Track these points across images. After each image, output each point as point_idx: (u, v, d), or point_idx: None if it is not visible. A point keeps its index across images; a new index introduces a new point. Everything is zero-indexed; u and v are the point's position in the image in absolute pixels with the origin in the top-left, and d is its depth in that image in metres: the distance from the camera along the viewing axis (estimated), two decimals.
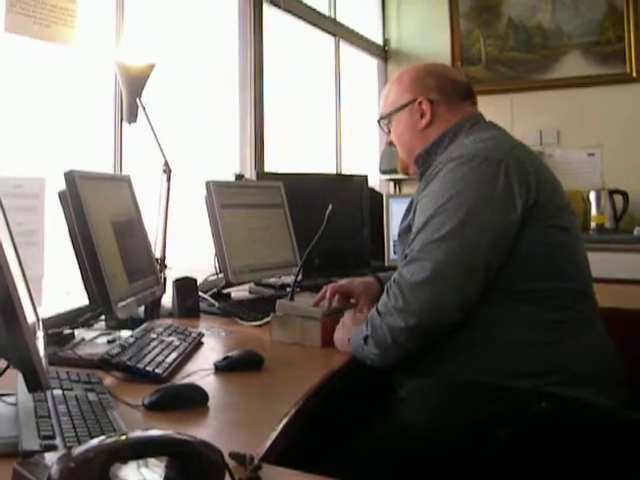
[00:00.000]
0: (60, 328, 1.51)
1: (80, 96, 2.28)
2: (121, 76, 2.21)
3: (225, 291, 2.13)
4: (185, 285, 1.93)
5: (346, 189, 2.70)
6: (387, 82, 1.75)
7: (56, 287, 1.74)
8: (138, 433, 0.75)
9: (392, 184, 4.40)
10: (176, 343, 1.47)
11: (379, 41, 4.59)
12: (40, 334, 1.02)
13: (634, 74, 3.96)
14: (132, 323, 1.62)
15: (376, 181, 4.11)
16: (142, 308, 1.75)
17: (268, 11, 3.28)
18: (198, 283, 2.01)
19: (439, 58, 3.95)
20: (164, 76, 2.41)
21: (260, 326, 1.78)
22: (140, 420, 1.06)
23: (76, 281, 1.54)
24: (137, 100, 2.15)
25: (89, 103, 2.33)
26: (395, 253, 2.49)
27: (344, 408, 1.46)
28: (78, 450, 0.69)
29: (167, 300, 1.92)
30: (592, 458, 1.25)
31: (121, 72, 2.20)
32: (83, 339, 1.52)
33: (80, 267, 1.50)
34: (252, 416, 1.12)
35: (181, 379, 1.29)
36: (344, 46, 4.11)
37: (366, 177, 2.84)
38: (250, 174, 2.91)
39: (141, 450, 0.73)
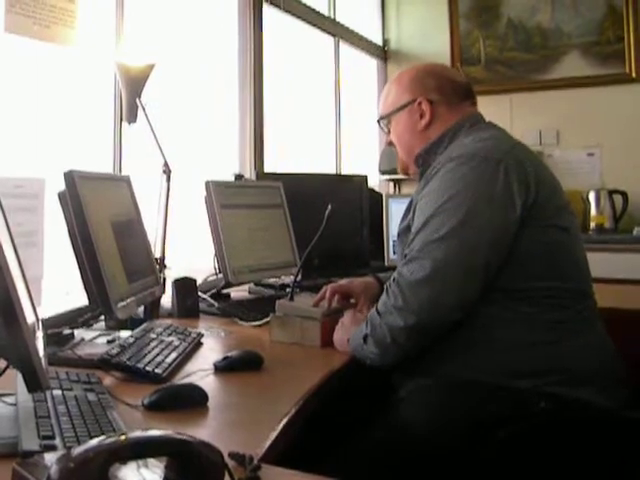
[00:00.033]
0: (60, 328, 1.51)
1: (80, 96, 2.28)
2: (121, 76, 2.21)
3: (225, 291, 2.13)
4: (185, 285, 1.93)
5: (346, 189, 2.71)
6: (387, 82, 1.76)
7: (56, 287, 1.74)
8: (137, 433, 0.75)
9: (392, 184, 4.40)
10: (176, 343, 1.47)
11: (379, 41, 4.59)
12: (40, 334, 1.02)
13: (633, 74, 3.96)
14: (132, 323, 1.62)
15: (376, 181, 4.11)
16: (142, 308, 1.75)
17: (268, 11, 3.29)
18: (198, 283, 2.01)
19: (439, 58, 3.96)
20: (164, 76, 2.41)
21: (260, 326, 1.78)
22: (140, 420, 1.06)
23: (76, 281, 1.54)
24: (137, 100, 2.15)
25: (89, 103, 2.33)
26: (395, 253, 2.49)
27: (344, 408, 1.46)
28: (77, 450, 0.69)
29: (167, 300, 1.92)
30: (592, 458, 1.25)
31: (121, 72, 2.20)
32: (83, 339, 1.52)
33: (80, 267, 1.50)
34: (252, 416, 1.12)
35: (181, 379, 1.29)
36: (344, 46, 4.11)
37: (366, 177, 2.84)
38: (250, 174, 2.91)
39: (140, 450, 0.73)
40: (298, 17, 3.60)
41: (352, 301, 1.70)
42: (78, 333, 1.55)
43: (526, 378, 1.30)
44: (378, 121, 1.67)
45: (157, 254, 1.97)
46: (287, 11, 3.43)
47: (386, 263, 2.52)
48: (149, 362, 1.30)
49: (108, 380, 1.25)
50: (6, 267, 0.82)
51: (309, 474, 0.88)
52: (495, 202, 1.35)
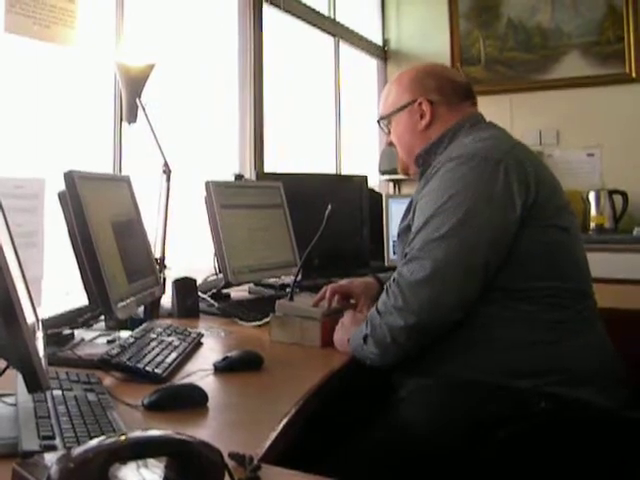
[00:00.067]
0: (60, 328, 1.51)
1: (80, 96, 2.28)
2: (121, 76, 2.21)
3: (225, 291, 2.13)
4: (185, 285, 1.93)
5: (346, 189, 2.71)
6: (387, 82, 1.76)
7: (56, 287, 1.73)
8: (137, 433, 0.75)
9: (392, 184, 4.40)
10: (176, 343, 1.47)
11: (379, 41, 4.59)
12: (40, 334, 1.02)
13: (633, 74, 3.96)
14: (131, 323, 1.62)
15: (376, 181, 4.11)
16: (142, 308, 1.75)
17: (268, 11, 3.29)
18: (197, 283, 2.01)
19: (439, 58, 3.96)
20: (164, 76, 2.41)
21: (260, 326, 1.78)
22: (139, 420, 1.06)
23: (76, 281, 1.54)
24: (137, 100, 2.15)
25: (89, 103, 2.33)
26: (395, 253, 2.49)
27: (344, 408, 1.46)
28: (77, 450, 0.69)
29: (166, 300, 1.92)
30: (592, 458, 1.25)
31: (121, 72, 2.20)
32: (83, 339, 1.52)
33: (80, 267, 1.50)
34: (251, 416, 1.12)
35: (180, 379, 1.29)
36: (344, 46, 4.11)
37: (366, 177, 2.84)
38: (250, 174, 2.91)
39: (140, 450, 0.73)
40: (298, 17, 3.60)
41: (352, 301, 1.70)
42: (78, 333, 1.55)
43: (526, 378, 1.30)
44: (378, 121, 1.67)
45: (157, 254, 1.97)
46: (287, 11, 3.43)
47: (386, 263, 2.52)
48: (149, 362, 1.30)
49: (108, 380, 1.25)
50: (6, 267, 0.82)
51: (309, 474, 0.88)
52: (495, 202, 1.35)
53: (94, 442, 0.71)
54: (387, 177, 4.24)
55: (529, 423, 1.25)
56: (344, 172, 3.98)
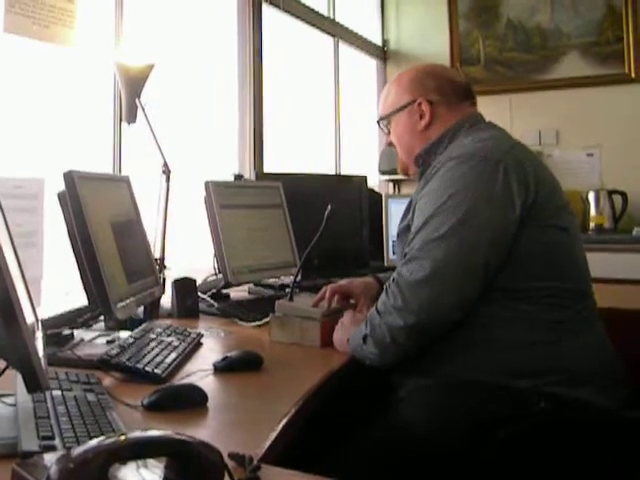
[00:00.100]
0: (59, 329, 1.50)
1: (79, 96, 2.28)
2: (120, 76, 2.21)
3: (224, 291, 2.13)
4: (184, 285, 1.93)
5: (345, 189, 2.71)
6: (386, 83, 1.76)
7: (55, 288, 1.73)
8: (137, 433, 0.75)
9: (391, 184, 4.40)
10: (175, 343, 1.47)
11: (378, 42, 4.59)
12: (39, 335, 1.02)
13: (633, 74, 3.96)
14: (131, 323, 1.62)
15: (375, 181, 4.11)
16: (141, 309, 1.75)
17: (267, 11, 3.29)
18: (197, 283, 2.01)
19: (438, 59, 3.96)
20: (163, 76, 2.41)
21: (259, 326, 1.78)
22: (139, 420, 1.06)
23: (75, 282, 1.54)
24: (136, 100, 2.15)
25: (88, 103, 2.33)
26: (394, 253, 2.49)
27: (344, 408, 1.46)
28: (77, 451, 0.69)
29: (166, 300, 1.92)
30: (591, 458, 1.25)
31: (120, 72, 2.20)
32: (82, 340, 1.52)
33: (79, 268, 1.50)
34: (251, 416, 1.12)
35: (180, 379, 1.29)
36: (343, 46, 4.11)
37: (365, 177, 2.84)
38: (249, 174, 2.91)
39: (140, 450, 0.73)
40: (297, 17, 3.60)
41: (352, 301, 1.70)
42: (78, 333, 1.55)
43: (526, 378, 1.30)
44: (378, 122, 1.67)
45: (157, 254, 1.97)
46: (287, 11, 3.43)
47: (385, 263, 2.52)
48: (149, 362, 1.29)
49: (108, 380, 1.25)
50: (6, 268, 0.82)
51: (309, 474, 0.88)
52: (494, 202, 1.35)
53: (94, 442, 0.71)
54: (387, 177, 4.24)
55: (529, 423, 1.25)
56: (344, 172, 3.98)
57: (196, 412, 1.11)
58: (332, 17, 4.01)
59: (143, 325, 1.59)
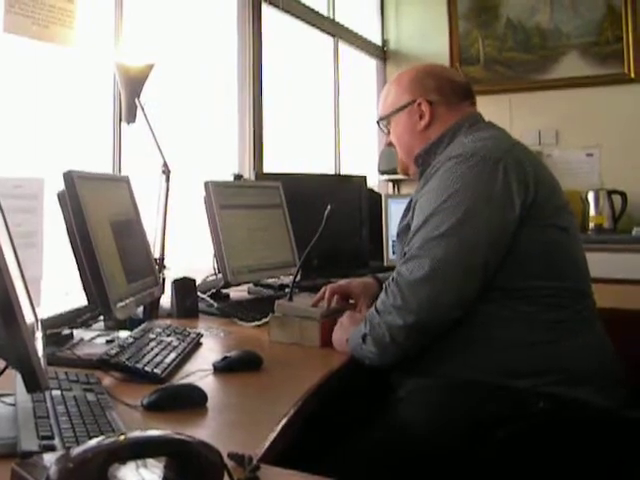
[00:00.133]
0: (59, 328, 1.50)
1: (79, 96, 2.28)
2: (120, 76, 2.21)
3: (224, 291, 2.13)
4: (184, 285, 1.93)
5: (345, 189, 2.71)
6: (386, 83, 1.76)
7: (55, 287, 1.73)
8: (137, 433, 0.75)
9: (391, 184, 4.40)
10: (175, 343, 1.47)
11: (378, 42, 4.59)
12: (39, 334, 1.02)
13: (632, 74, 3.96)
14: (131, 323, 1.62)
15: (375, 181, 4.11)
16: (141, 308, 1.75)
17: (267, 11, 3.29)
18: (197, 283, 2.01)
19: (438, 59, 3.96)
20: (163, 76, 2.41)
21: (259, 326, 1.78)
22: (139, 420, 1.06)
23: (75, 281, 1.54)
24: (136, 100, 2.15)
25: (88, 103, 2.33)
26: (394, 253, 2.49)
27: (343, 408, 1.46)
28: (77, 450, 0.69)
29: (166, 300, 1.92)
30: (590, 458, 1.25)
31: (120, 72, 2.20)
32: (82, 339, 1.52)
33: (79, 267, 1.50)
34: (251, 416, 1.12)
35: (180, 379, 1.29)
36: (343, 46, 4.11)
37: (365, 177, 2.84)
38: (249, 174, 2.91)
39: (140, 450, 0.73)
40: (297, 17, 3.60)
41: (351, 301, 1.70)
42: (77, 333, 1.55)
43: (525, 378, 1.30)
44: (378, 122, 1.67)
45: (156, 254, 1.97)
46: (286, 11, 3.43)
47: (385, 263, 2.52)
48: (148, 362, 1.30)
49: (107, 380, 1.25)
50: (5, 268, 0.82)
51: (308, 474, 0.88)
52: (494, 201, 1.35)
53: (93, 442, 0.71)
54: (386, 177, 4.24)
55: (528, 423, 1.26)
56: (343, 172, 3.98)
57: (196, 412, 1.11)
58: (332, 17, 4.01)
59: (143, 325, 1.59)
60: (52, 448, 0.85)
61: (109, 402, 1.08)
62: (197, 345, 1.56)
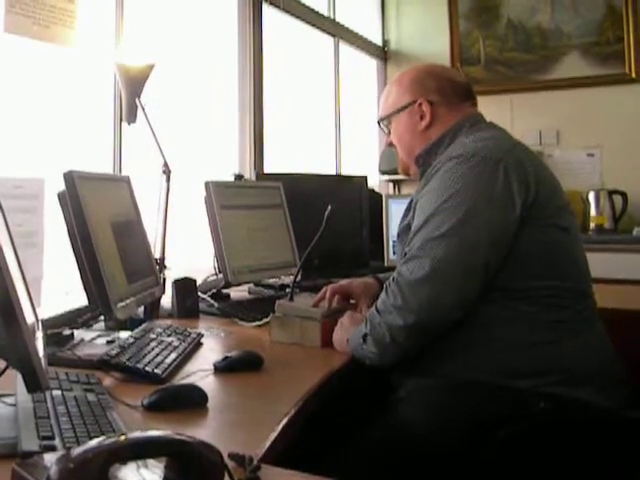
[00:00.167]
0: (59, 329, 1.50)
1: (80, 97, 2.28)
2: (120, 76, 2.21)
3: (224, 291, 2.13)
4: (184, 285, 1.93)
5: (345, 190, 2.71)
6: (386, 83, 1.76)
7: (55, 288, 1.73)
8: (137, 434, 0.75)
9: (391, 185, 4.40)
10: (175, 344, 1.47)
11: (378, 42, 4.59)
12: (39, 335, 1.02)
13: (633, 74, 3.96)
14: (131, 324, 1.62)
15: (375, 182, 4.11)
16: (141, 309, 1.75)
17: (267, 11, 3.29)
18: (197, 284, 2.01)
19: (438, 59, 3.96)
20: (163, 76, 2.41)
21: (259, 326, 1.78)
22: (139, 421, 1.06)
23: (75, 282, 1.54)
24: (136, 100, 2.15)
25: (88, 104, 2.33)
26: (394, 253, 2.49)
27: (344, 408, 1.46)
28: (77, 451, 0.69)
29: (166, 301, 1.92)
30: (591, 458, 1.25)
31: (120, 72, 2.20)
32: (82, 340, 1.52)
33: (79, 268, 1.50)
34: (251, 417, 1.12)
35: (180, 380, 1.29)
36: (343, 47, 4.11)
37: (365, 178, 2.84)
38: (249, 174, 2.91)
39: (140, 451, 0.73)
40: (298, 17, 3.60)
41: (352, 302, 1.70)
42: (78, 334, 1.55)
43: (526, 378, 1.30)
44: (378, 122, 1.67)
45: (157, 254, 1.97)
46: (287, 11, 3.43)
47: (386, 263, 2.52)
48: (149, 362, 1.29)
49: (108, 381, 1.25)
50: (6, 268, 0.82)
51: (309, 474, 0.88)
52: (495, 202, 1.35)
53: (94, 442, 0.71)
54: (387, 177, 4.24)
55: (529, 423, 1.25)
56: (344, 172, 3.98)
57: (196, 412, 1.11)
58: (332, 17, 4.01)
59: (143, 325, 1.59)
60: (53, 448, 0.84)
61: (110, 402, 1.08)
62: (198, 345, 1.56)
